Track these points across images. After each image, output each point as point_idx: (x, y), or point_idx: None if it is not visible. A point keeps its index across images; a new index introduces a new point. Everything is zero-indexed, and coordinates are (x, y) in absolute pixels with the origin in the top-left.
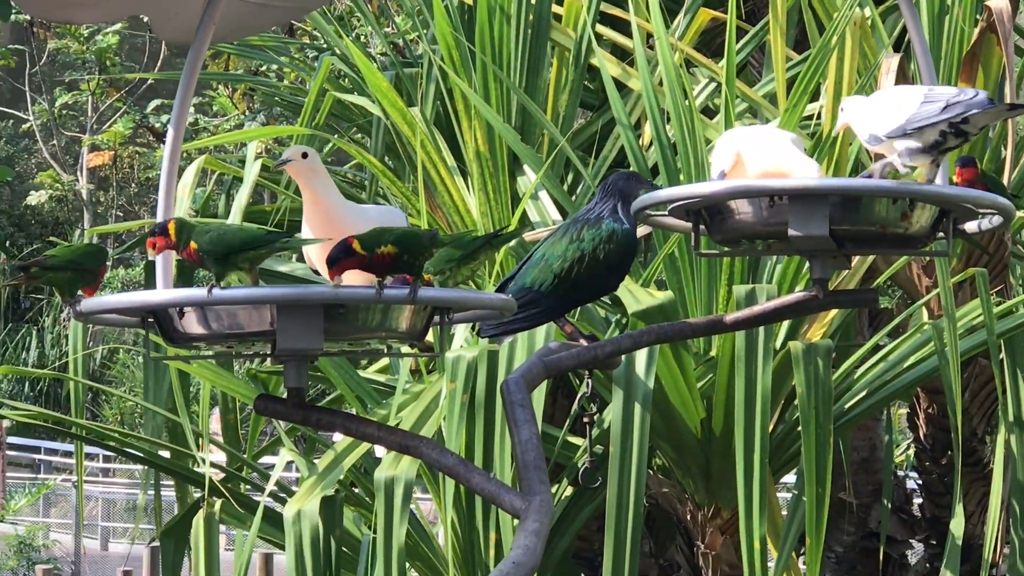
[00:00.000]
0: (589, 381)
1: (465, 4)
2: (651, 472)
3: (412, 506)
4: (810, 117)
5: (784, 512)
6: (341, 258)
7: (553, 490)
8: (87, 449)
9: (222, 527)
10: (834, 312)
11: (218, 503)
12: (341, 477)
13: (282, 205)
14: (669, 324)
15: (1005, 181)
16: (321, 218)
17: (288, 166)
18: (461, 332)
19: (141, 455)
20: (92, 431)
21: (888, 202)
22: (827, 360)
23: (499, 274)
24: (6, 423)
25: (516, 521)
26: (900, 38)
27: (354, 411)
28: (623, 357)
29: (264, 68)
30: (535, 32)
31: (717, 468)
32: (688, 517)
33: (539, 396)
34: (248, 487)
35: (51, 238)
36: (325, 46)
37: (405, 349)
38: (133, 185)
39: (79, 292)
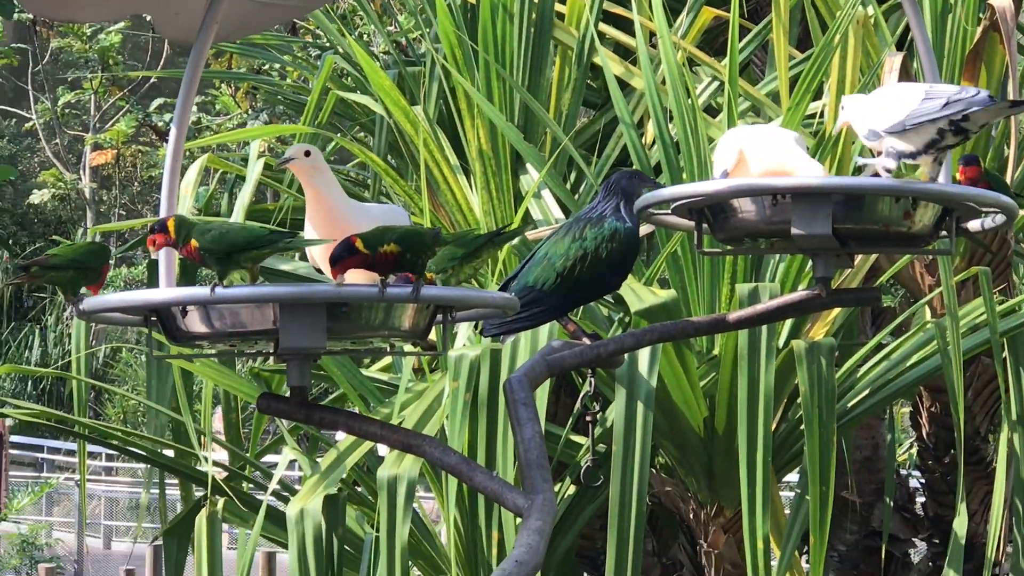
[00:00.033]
0: (592, 380)
1: (468, 3)
2: (654, 471)
3: (415, 505)
4: (813, 116)
5: (787, 511)
6: (344, 257)
7: (556, 489)
8: (90, 448)
9: (225, 526)
10: (837, 311)
11: (221, 502)
12: (344, 476)
13: (285, 204)
14: (672, 323)
15: (1008, 179)
16: (324, 217)
17: (291, 164)
18: (464, 331)
19: (144, 454)
20: (95, 430)
21: (891, 201)
22: (830, 359)
23: (502, 273)
24: (9, 422)
25: (519, 519)
26: (903, 37)
27: (357, 410)
28: (626, 356)
29: (267, 67)
30: (538, 31)
31: (720, 467)
32: (691, 516)
33: (542, 395)
34: (251, 486)
35: (54, 237)
36: (328, 45)
37: (408, 348)
38: (136, 184)
39: (84, 290)
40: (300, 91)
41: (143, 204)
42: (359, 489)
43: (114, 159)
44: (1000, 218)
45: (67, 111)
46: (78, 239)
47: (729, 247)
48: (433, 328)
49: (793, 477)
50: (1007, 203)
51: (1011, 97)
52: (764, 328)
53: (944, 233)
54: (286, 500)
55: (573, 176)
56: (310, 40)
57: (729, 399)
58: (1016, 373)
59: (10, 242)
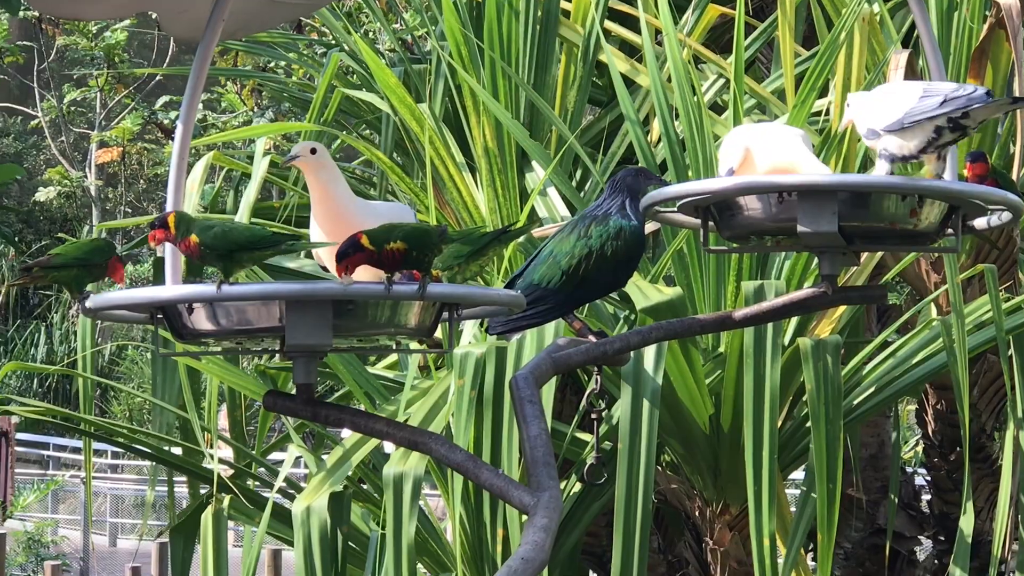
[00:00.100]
0: (598, 377)
1: (474, 0)
2: (659, 468)
3: (420, 502)
4: (819, 113)
5: (792, 508)
6: (350, 253)
7: (562, 486)
8: (96, 445)
9: (231, 523)
10: (842, 308)
11: (227, 499)
12: (350, 473)
13: (290, 201)
14: (678, 320)
15: (1014, 177)
16: (330, 214)
17: (297, 162)
18: (470, 328)
19: (150, 451)
20: (101, 427)
21: (897, 198)
22: (836, 356)
23: (507, 270)
24: (15, 419)
25: (524, 517)
26: (909, 34)
27: (363, 407)
28: (632, 353)
29: (272, 64)
30: (544, 28)
31: (726, 464)
32: (696, 513)
33: (548, 392)
34: (257, 483)
35: (60, 234)
36: (333, 42)
37: (414, 345)
38: (141, 181)
39: (106, 280)
40: (306, 89)
41: (149, 202)
42: (365, 487)
43: (120, 157)
44: (1006, 215)
45: (73, 109)
46: (84, 236)
47: (735, 245)
48: (439, 326)
49: (799, 475)
50: (1014, 201)
51: (1016, 94)
52: (770, 326)
53: (950, 231)
54: (292, 498)
55: (579, 174)
56: (316, 38)
57: (735, 397)
58: (1022, 370)
59: (16, 240)
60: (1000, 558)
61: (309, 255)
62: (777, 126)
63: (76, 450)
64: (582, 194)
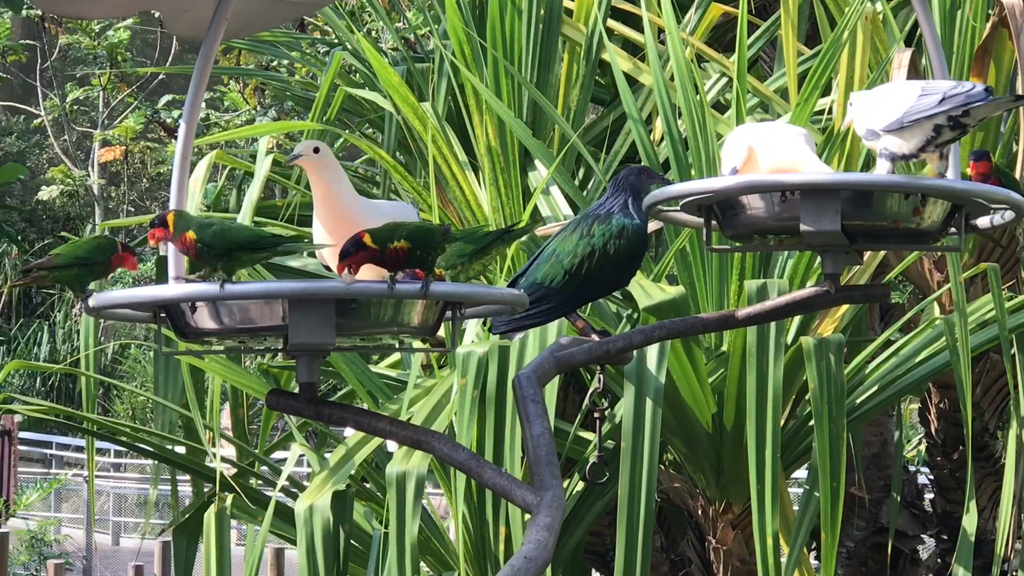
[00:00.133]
0: (600, 376)
1: None
2: (662, 467)
3: (423, 501)
4: (821, 112)
5: (795, 507)
6: (353, 252)
7: (564, 485)
8: (99, 444)
9: (233, 522)
10: (845, 307)
11: (230, 498)
12: (352, 472)
13: (293, 200)
14: (680, 319)
15: (1017, 176)
16: (332, 213)
17: (300, 161)
18: (472, 327)
19: (152, 450)
20: (104, 426)
21: (900, 197)
22: (839, 355)
23: (510, 269)
24: (18, 418)
25: (526, 516)
26: (912, 33)
27: (366, 406)
28: (634, 352)
29: (275, 63)
30: (546, 27)
31: (728, 463)
32: (699, 512)
33: (551, 391)
34: (259, 482)
35: (62, 233)
36: (336, 41)
37: (417, 344)
38: (144, 180)
39: (109, 275)
40: (308, 87)
41: (152, 200)
42: (368, 485)
43: (123, 155)
44: (1009, 214)
45: (76, 107)
46: (86, 235)
47: (738, 244)
48: (442, 324)
49: (801, 474)
50: (1017, 199)
51: (1019, 92)
52: (772, 325)
53: (953, 229)
54: (295, 496)
55: (581, 172)
56: (318, 36)
57: (738, 395)
58: None
59: (19, 238)
60: (1003, 557)
61: (312, 254)
62: (780, 125)
63: (79, 449)
64: (585, 193)
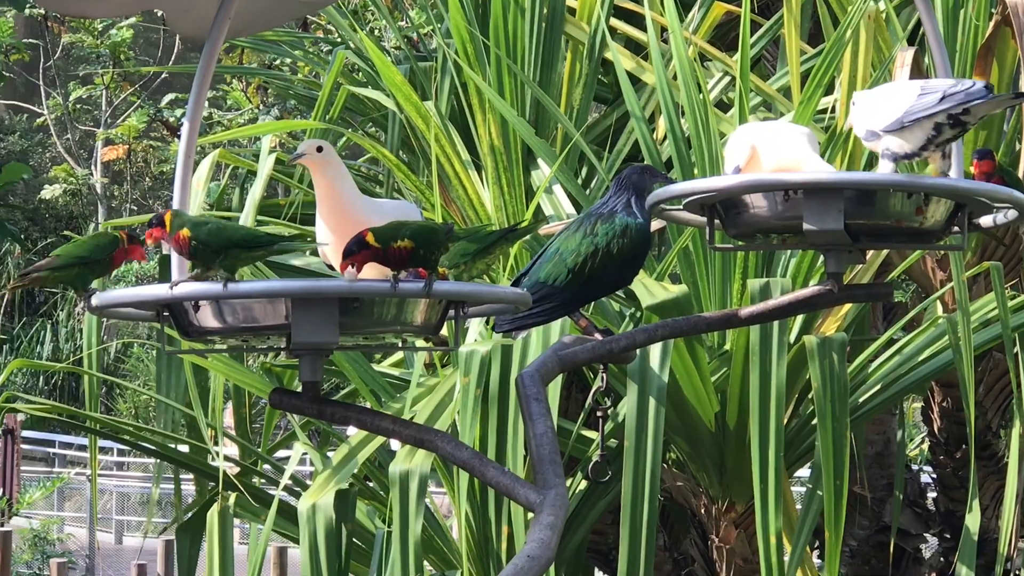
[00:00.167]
0: (603, 375)
1: None
2: (665, 466)
3: (426, 499)
4: (824, 111)
5: (798, 506)
6: (355, 251)
7: (567, 484)
8: (101, 443)
9: (237, 521)
10: (848, 306)
11: (233, 497)
12: (355, 471)
13: (296, 199)
14: (683, 318)
15: (1021, 175)
16: (335, 212)
17: (303, 160)
18: (475, 326)
19: (155, 449)
20: (106, 425)
21: (903, 196)
22: (842, 354)
23: (513, 268)
24: (21, 417)
25: (528, 514)
26: (914, 31)
27: (369, 405)
28: (637, 351)
29: (278, 62)
30: (549, 26)
31: (731, 462)
32: (702, 511)
33: (554, 390)
34: (262, 481)
35: (65, 232)
36: (339, 40)
37: (420, 343)
38: (147, 179)
39: (127, 261)
40: (311, 86)
41: (154, 199)
42: (371, 484)
43: (125, 154)
44: (1012, 213)
45: (78, 106)
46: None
47: (741, 243)
48: (445, 323)
49: (804, 472)
50: (1020, 198)
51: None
52: (775, 323)
53: (956, 228)
54: (298, 495)
55: (584, 171)
56: (321, 35)
57: (741, 394)
58: None
59: (22, 237)
60: (1006, 556)
61: (315, 253)
62: (783, 124)
63: (82, 447)
64: (588, 192)
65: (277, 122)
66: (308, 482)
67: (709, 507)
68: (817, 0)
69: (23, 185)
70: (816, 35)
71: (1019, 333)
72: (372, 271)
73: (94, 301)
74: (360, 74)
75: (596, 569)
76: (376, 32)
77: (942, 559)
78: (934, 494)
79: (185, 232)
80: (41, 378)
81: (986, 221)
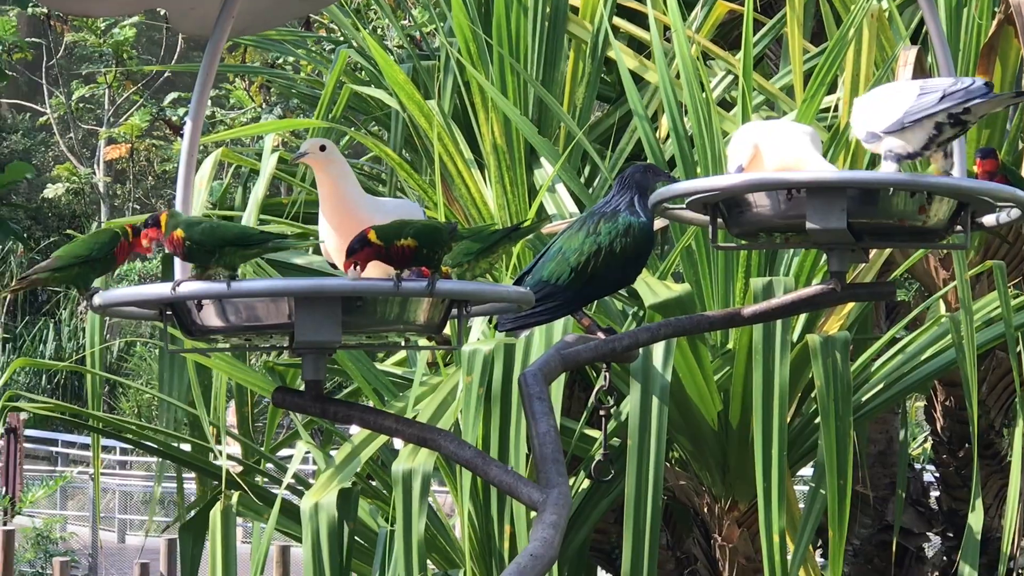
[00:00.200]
0: (606, 374)
1: None
2: (668, 465)
3: (429, 498)
4: (827, 110)
5: (801, 505)
6: (358, 249)
7: (570, 483)
8: (104, 442)
9: (239, 520)
10: (851, 305)
11: (235, 496)
12: (358, 470)
13: (298, 198)
14: (686, 317)
15: (1023, 174)
16: (338, 210)
17: (306, 159)
18: (478, 325)
19: (158, 447)
20: (109, 424)
21: (906, 195)
22: (845, 352)
23: (516, 267)
24: (23, 416)
25: (532, 514)
26: (917, 30)
27: (371, 404)
28: (640, 350)
29: (281, 61)
30: (552, 25)
31: (734, 461)
32: (705, 510)
33: (556, 389)
34: (265, 480)
35: (68, 231)
36: (342, 39)
37: (423, 342)
38: (150, 178)
39: (132, 255)
40: (314, 85)
41: (157, 198)
42: (373, 483)
43: (128, 153)
44: (1015, 212)
45: (81, 105)
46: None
47: (744, 242)
48: (448, 322)
49: (807, 471)
50: (1023, 197)
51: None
52: (779, 322)
53: (959, 227)
54: (300, 494)
55: (587, 170)
56: (324, 34)
57: (744, 393)
58: None
59: (24, 236)
60: (1009, 554)
61: (317, 251)
62: (786, 123)
63: (85, 446)
64: (591, 190)
65: (280, 121)
66: (311, 481)
67: (712, 506)
68: None
69: (26, 184)
70: (819, 34)
71: (1022, 332)
72: (375, 270)
73: (97, 300)
74: (363, 73)
75: (599, 568)
76: (379, 31)
77: (945, 558)
78: (937, 493)
79: (179, 233)
80: (44, 377)
81: (989, 220)
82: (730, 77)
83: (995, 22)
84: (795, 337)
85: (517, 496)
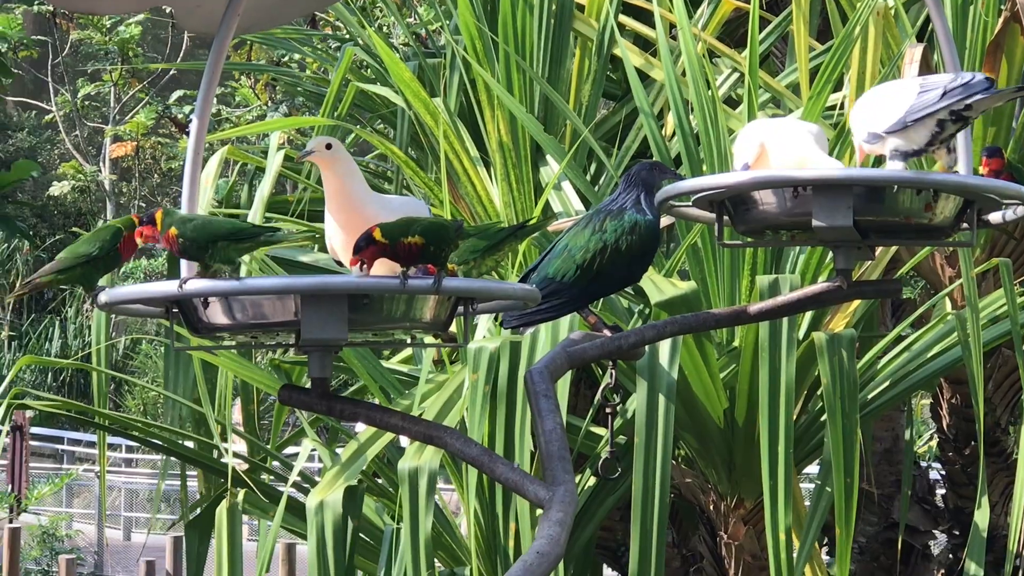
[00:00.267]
0: (612, 372)
1: None
2: (674, 463)
3: (435, 496)
4: (833, 107)
5: (807, 503)
6: (364, 247)
7: (576, 480)
8: (110, 439)
9: (245, 517)
10: (857, 302)
11: (241, 493)
12: (364, 467)
13: (304, 195)
14: (692, 315)
15: None
16: (344, 208)
17: (312, 157)
18: (484, 323)
19: (164, 445)
20: (115, 421)
21: (912, 193)
22: (851, 350)
23: (522, 265)
24: (29, 413)
25: (538, 511)
26: (923, 28)
27: (377, 401)
28: (646, 348)
29: (286, 59)
30: (558, 22)
31: (740, 458)
32: (711, 507)
33: (563, 386)
34: (271, 477)
35: (74, 228)
36: (347, 37)
37: (429, 339)
38: (155, 175)
39: (138, 245)
40: (320, 83)
41: (163, 196)
42: (379, 481)
43: (134, 151)
44: (1021, 210)
45: (87, 103)
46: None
47: (750, 239)
48: (454, 320)
49: (813, 469)
50: None
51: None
52: (784, 320)
53: (965, 225)
54: (306, 492)
55: (593, 168)
56: (330, 32)
57: (750, 391)
58: None
59: (30, 234)
60: (1015, 552)
61: (323, 249)
62: (792, 121)
63: (90, 444)
64: (596, 188)
65: (285, 119)
66: (317, 478)
67: (718, 503)
68: None
69: (32, 182)
70: (825, 32)
71: None
72: (381, 268)
73: (103, 298)
74: (369, 71)
75: (605, 565)
76: (384, 29)
77: (951, 556)
78: (943, 491)
79: (173, 230)
80: (50, 375)
81: (995, 217)
82: (736, 75)
83: (1001, 19)
84: (801, 335)
85: (523, 494)
